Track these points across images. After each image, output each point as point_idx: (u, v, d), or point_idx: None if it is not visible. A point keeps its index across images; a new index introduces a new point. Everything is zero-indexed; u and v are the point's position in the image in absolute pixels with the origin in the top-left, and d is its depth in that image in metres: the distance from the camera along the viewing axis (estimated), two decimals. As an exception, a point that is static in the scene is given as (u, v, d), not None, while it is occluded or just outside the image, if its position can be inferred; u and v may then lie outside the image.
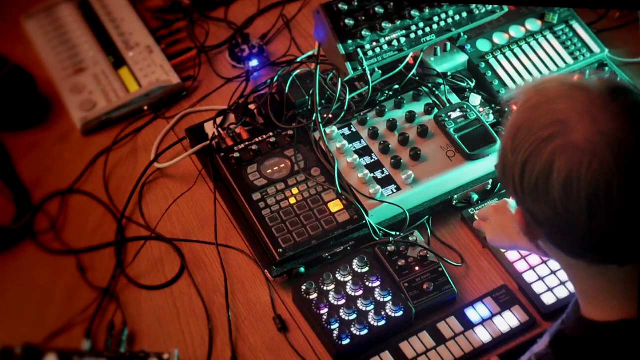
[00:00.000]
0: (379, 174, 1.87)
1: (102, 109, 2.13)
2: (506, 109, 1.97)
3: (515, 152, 1.17)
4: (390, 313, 1.71)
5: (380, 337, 1.69)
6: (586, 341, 1.26)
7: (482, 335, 1.70)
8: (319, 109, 1.90)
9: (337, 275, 1.77)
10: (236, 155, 1.91)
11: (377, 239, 1.82)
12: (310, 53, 2.17)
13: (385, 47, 1.88)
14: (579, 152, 1.11)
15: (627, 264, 1.20)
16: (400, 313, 1.71)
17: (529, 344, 1.49)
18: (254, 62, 2.20)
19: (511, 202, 1.66)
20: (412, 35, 1.90)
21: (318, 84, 1.90)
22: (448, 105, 1.99)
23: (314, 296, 1.74)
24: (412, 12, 1.88)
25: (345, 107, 1.96)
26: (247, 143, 1.94)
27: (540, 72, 2.09)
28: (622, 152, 1.10)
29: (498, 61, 2.09)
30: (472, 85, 2.05)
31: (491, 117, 1.99)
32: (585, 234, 1.15)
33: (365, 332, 1.68)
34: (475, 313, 1.73)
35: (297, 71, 2.03)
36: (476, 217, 1.83)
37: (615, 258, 1.20)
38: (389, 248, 1.80)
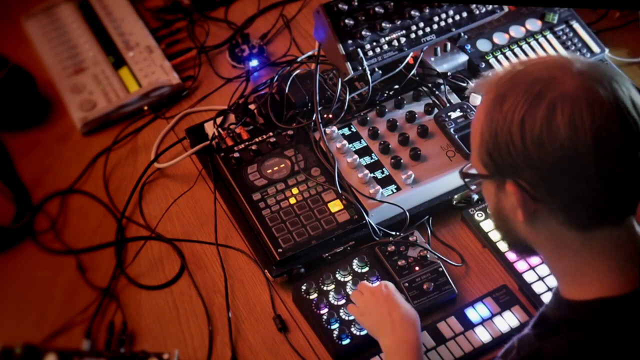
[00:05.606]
0: (379, 174, 1.87)
1: (102, 109, 2.13)
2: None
3: (507, 116, 1.21)
4: (390, 313, 1.71)
5: (380, 337, 1.69)
6: (564, 321, 1.28)
7: (482, 335, 1.70)
8: (319, 109, 1.90)
9: (337, 275, 1.77)
10: (236, 155, 1.91)
11: (377, 239, 1.82)
12: (310, 53, 2.17)
13: (385, 47, 1.88)
14: (575, 98, 1.17)
15: (620, 220, 1.25)
16: (400, 313, 1.71)
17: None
18: (254, 62, 2.21)
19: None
20: (412, 35, 1.91)
21: (318, 84, 1.90)
22: (448, 105, 1.99)
23: (314, 296, 1.74)
24: (412, 12, 1.88)
25: (345, 107, 1.96)
26: (247, 143, 1.94)
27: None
28: (612, 94, 1.18)
29: (498, 61, 2.10)
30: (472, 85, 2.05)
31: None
32: (592, 177, 1.18)
33: (365, 332, 1.68)
34: (475, 313, 1.73)
35: (297, 71, 2.03)
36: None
37: (610, 209, 1.23)
38: (389, 248, 1.80)
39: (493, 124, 1.23)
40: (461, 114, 1.94)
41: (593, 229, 1.24)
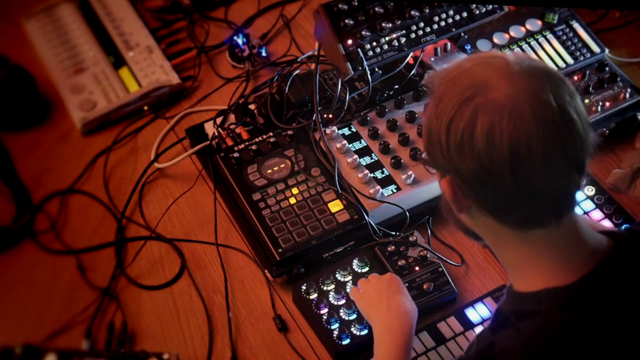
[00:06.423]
0: (379, 174, 1.87)
1: (102, 109, 2.13)
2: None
3: (439, 117, 1.23)
4: (390, 313, 1.71)
5: (380, 337, 1.69)
6: (514, 313, 1.30)
7: (482, 335, 1.70)
8: (319, 109, 1.90)
9: (337, 275, 1.77)
10: (236, 155, 1.91)
11: (377, 239, 1.82)
12: (310, 53, 2.17)
13: (385, 47, 1.88)
14: (500, 107, 1.17)
15: (548, 224, 1.25)
16: (400, 313, 1.71)
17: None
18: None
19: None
20: (412, 35, 1.91)
21: (318, 84, 1.90)
22: (448, 105, 1.99)
23: (314, 296, 1.74)
24: (412, 12, 1.88)
25: (345, 107, 1.96)
26: (247, 143, 1.94)
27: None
28: (540, 106, 1.17)
29: (498, 61, 2.09)
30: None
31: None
32: (510, 187, 1.19)
33: (365, 332, 1.68)
34: (475, 313, 1.73)
35: (297, 71, 2.03)
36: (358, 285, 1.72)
37: (538, 216, 1.24)
38: (389, 248, 1.80)
39: (430, 122, 1.26)
40: (461, 114, 1.94)
41: (529, 229, 1.26)
